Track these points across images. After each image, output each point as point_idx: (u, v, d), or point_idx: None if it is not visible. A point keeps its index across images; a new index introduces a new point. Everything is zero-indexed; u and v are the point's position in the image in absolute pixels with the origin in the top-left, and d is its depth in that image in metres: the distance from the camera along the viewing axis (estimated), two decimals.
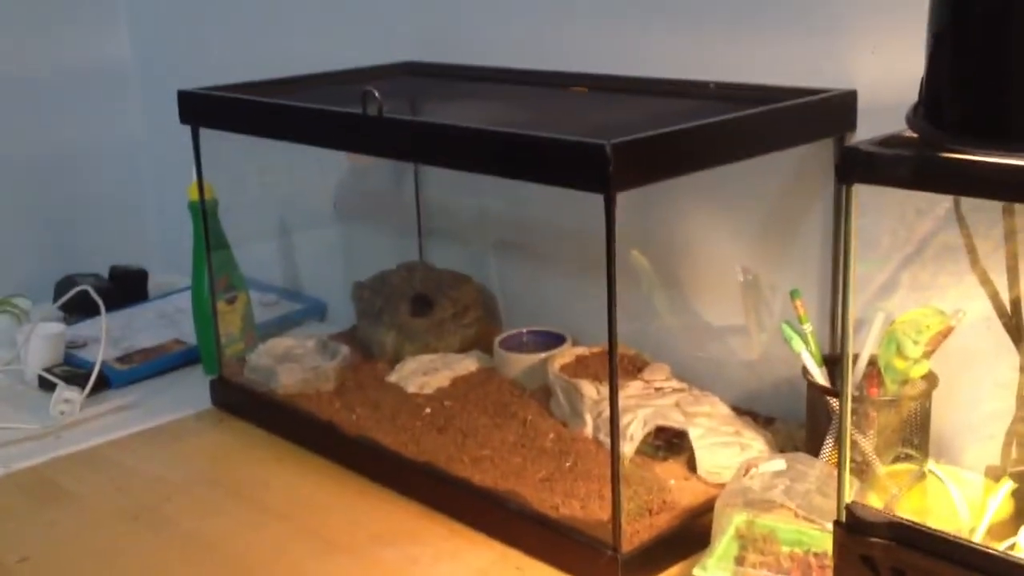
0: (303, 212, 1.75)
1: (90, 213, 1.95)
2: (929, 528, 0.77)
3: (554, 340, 1.34)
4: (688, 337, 1.26)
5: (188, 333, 1.54)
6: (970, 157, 0.68)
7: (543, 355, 1.30)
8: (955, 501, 0.87)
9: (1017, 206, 0.86)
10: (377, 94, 1.08)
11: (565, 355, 1.28)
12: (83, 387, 1.39)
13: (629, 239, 1.22)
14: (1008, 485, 0.86)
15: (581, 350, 1.28)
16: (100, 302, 1.51)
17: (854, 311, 0.80)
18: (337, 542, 1.07)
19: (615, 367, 0.95)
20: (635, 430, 1.12)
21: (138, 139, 2.00)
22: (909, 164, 0.70)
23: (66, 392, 1.38)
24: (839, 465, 0.81)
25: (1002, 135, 0.68)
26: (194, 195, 1.39)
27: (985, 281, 0.93)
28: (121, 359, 1.51)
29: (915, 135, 0.74)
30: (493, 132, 1.01)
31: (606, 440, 1.14)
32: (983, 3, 0.70)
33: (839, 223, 1.11)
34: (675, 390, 1.19)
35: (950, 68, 0.73)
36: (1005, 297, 0.92)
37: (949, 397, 1.02)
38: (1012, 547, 0.82)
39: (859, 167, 0.73)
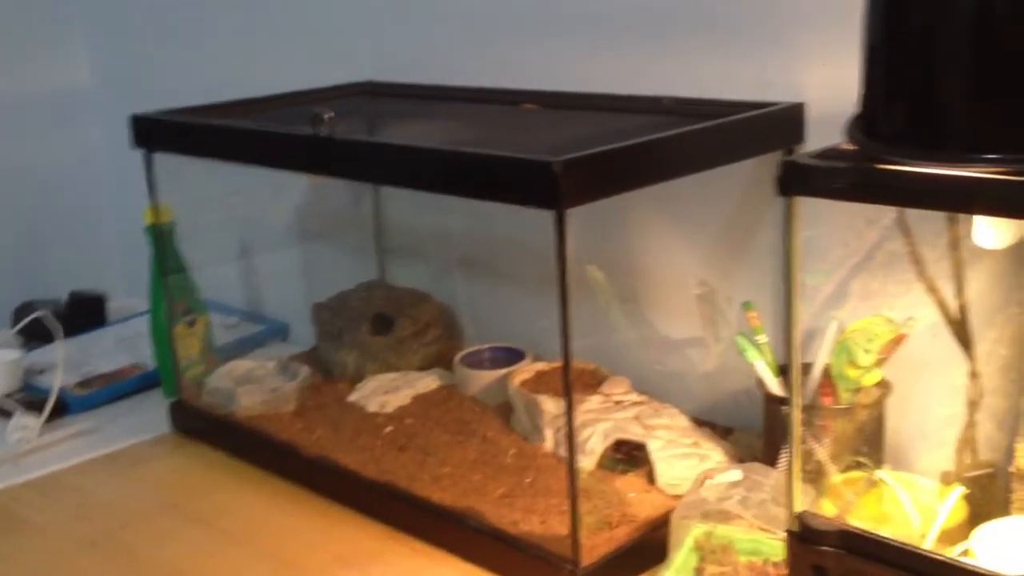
0: (263, 233, 1.74)
1: (50, 238, 1.94)
2: (880, 536, 0.78)
3: (515, 356, 1.34)
4: (646, 350, 1.26)
5: (148, 357, 1.53)
6: (904, 168, 0.68)
7: (503, 371, 1.30)
8: (907, 508, 0.88)
9: (961, 215, 0.87)
10: (327, 115, 1.08)
11: (525, 371, 1.28)
12: (40, 413, 1.38)
13: (584, 254, 1.23)
14: (958, 491, 0.87)
15: (541, 366, 1.29)
16: (58, 328, 1.49)
17: (802, 321, 0.81)
18: (298, 565, 1.07)
19: (569, 382, 0.95)
20: (595, 444, 1.13)
21: (98, 163, 1.99)
22: (845, 176, 0.71)
23: (23, 418, 1.37)
24: (789, 474, 0.81)
25: (936, 145, 0.69)
26: (150, 219, 1.39)
27: (932, 289, 0.94)
28: (80, 384, 1.50)
29: (853, 147, 0.75)
30: (443, 151, 1.01)
31: (566, 455, 1.14)
32: (915, 16, 0.71)
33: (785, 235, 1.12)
34: (634, 403, 1.20)
35: (885, 80, 0.74)
36: (953, 305, 0.93)
37: (902, 404, 1.02)
38: (964, 552, 0.83)
39: (798, 180, 0.74)
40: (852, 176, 0.71)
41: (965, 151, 0.67)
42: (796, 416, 0.80)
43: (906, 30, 0.71)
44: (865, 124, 0.75)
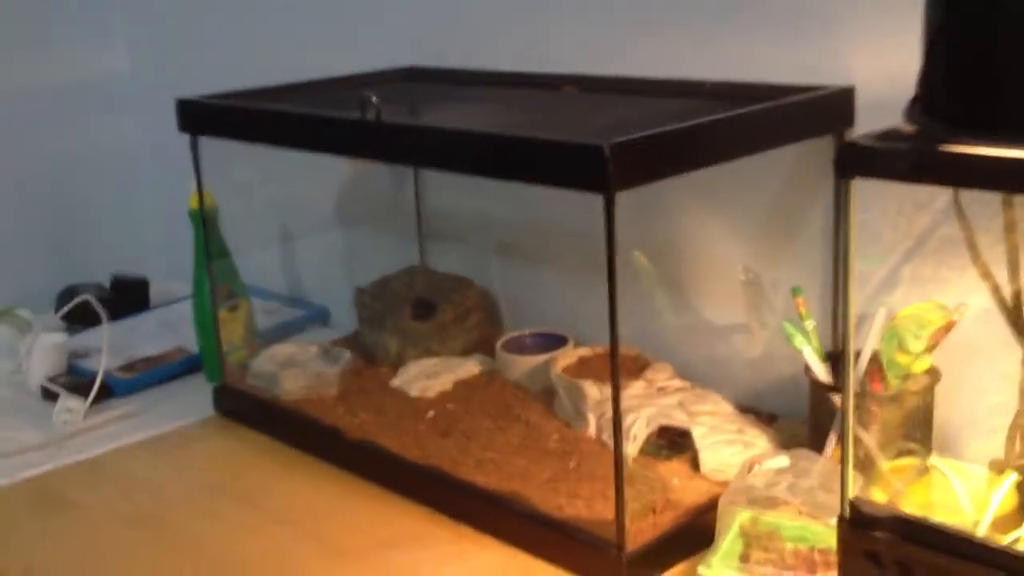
0: (304, 218, 1.75)
1: (91, 223, 1.96)
2: (933, 523, 0.77)
3: (556, 342, 1.34)
4: (690, 336, 1.26)
5: (190, 341, 1.54)
6: (967, 149, 0.68)
7: (545, 357, 1.30)
8: (959, 495, 0.87)
9: (1016, 198, 0.86)
10: (375, 99, 1.08)
11: (567, 356, 1.28)
12: (86, 396, 1.40)
13: (629, 239, 1.22)
14: (1012, 478, 0.86)
15: (583, 351, 1.28)
16: (102, 311, 1.51)
17: (856, 307, 0.80)
18: (342, 547, 1.07)
19: (617, 367, 0.95)
20: (638, 430, 1.12)
21: (137, 148, 2.00)
22: (907, 157, 0.70)
23: (69, 401, 1.38)
24: (842, 461, 0.81)
25: (999, 127, 0.69)
26: (194, 204, 1.39)
27: (986, 275, 0.93)
28: (124, 368, 1.51)
29: (913, 129, 0.74)
30: (492, 135, 1.01)
31: (610, 440, 1.14)
32: None
33: (839, 219, 1.11)
34: (678, 389, 1.19)
35: (947, 61, 0.73)
36: (1007, 290, 0.92)
37: (952, 391, 1.02)
38: (1017, 540, 0.82)
39: (858, 161, 0.73)
40: (915, 157, 0.70)
41: None
42: (849, 403, 0.80)
43: (969, 9, 0.70)
44: (925, 106, 0.74)
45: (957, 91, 0.72)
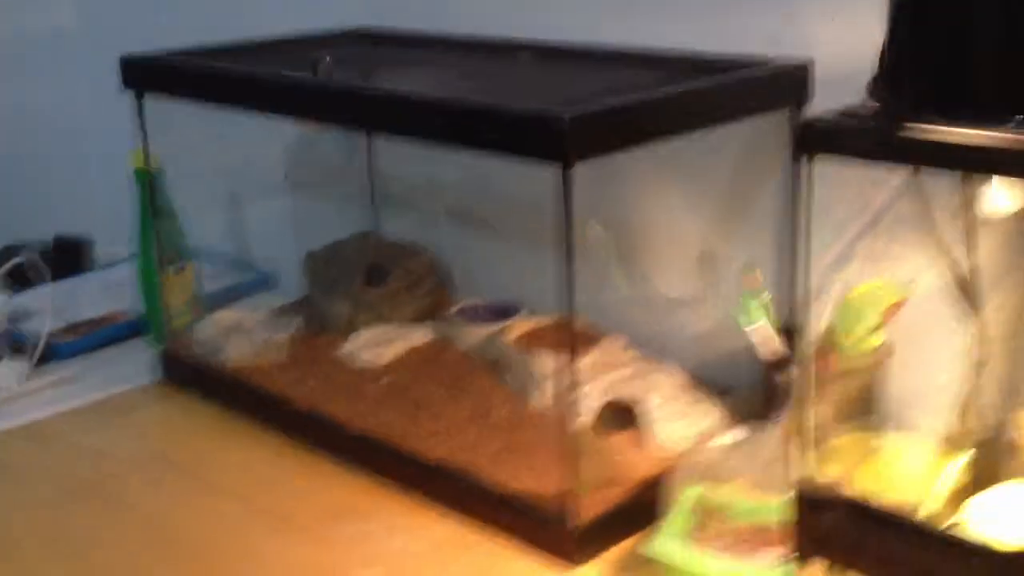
0: (251, 181, 1.71)
1: (34, 180, 1.91)
2: (881, 504, 0.77)
3: (509, 310, 1.33)
4: (644, 309, 1.25)
5: (133, 304, 1.50)
6: (932, 128, 0.67)
7: (498, 326, 1.29)
8: (910, 470, 0.87)
9: (975, 177, 0.85)
10: (328, 59, 1.05)
11: (520, 326, 1.27)
12: (26, 358, 1.36)
13: (584, 210, 1.20)
14: (963, 458, 0.86)
15: (536, 321, 1.27)
16: (47, 272, 1.47)
17: (812, 284, 0.80)
18: (289, 518, 1.06)
19: (573, 341, 0.94)
20: (590, 402, 1.12)
21: (83, 105, 1.95)
22: (870, 136, 0.70)
23: (9, 364, 1.34)
24: (794, 439, 0.81)
25: (965, 106, 0.68)
26: (138, 163, 1.36)
27: (942, 251, 0.93)
28: (66, 330, 1.47)
29: (875, 107, 0.73)
30: (449, 101, 0.99)
31: (560, 412, 1.13)
32: None
33: (795, 195, 1.10)
34: (630, 361, 1.19)
35: (911, 38, 0.72)
36: (961, 267, 0.92)
37: (904, 366, 1.01)
38: (959, 522, 0.83)
39: (819, 140, 0.73)
40: (877, 136, 0.69)
41: (995, 112, 0.65)
42: (803, 380, 0.79)
43: None
44: (888, 83, 0.73)
45: (922, 68, 0.71)
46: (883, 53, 0.75)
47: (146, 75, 1.26)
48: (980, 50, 0.67)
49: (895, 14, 0.73)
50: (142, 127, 1.30)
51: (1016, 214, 0.84)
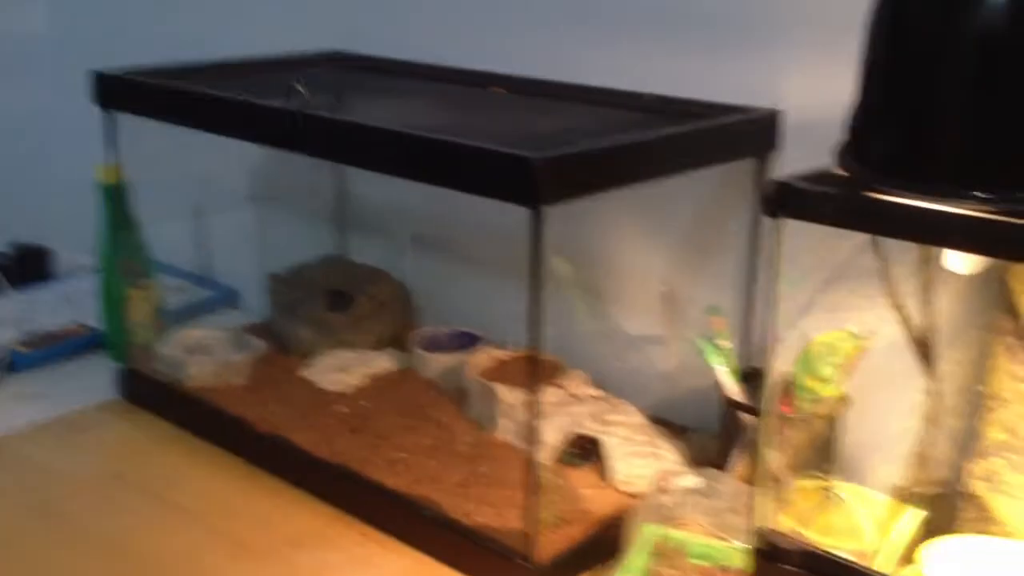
0: (215, 195, 1.70)
1: None
2: (840, 557, 0.79)
3: (471, 340, 1.34)
4: (605, 346, 1.27)
5: (93, 316, 1.49)
6: (895, 200, 0.69)
7: (460, 356, 1.29)
8: (861, 522, 0.89)
9: None
10: (301, 88, 1.06)
11: (483, 357, 1.27)
12: None
13: (550, 247, 1.22)
14: (917, 513, 0.88)
15: (500, 353, 1.28)
16: (5, 282, 1.46)
17: (777, 335, 0.82)
18: (248, 544, 1.06)
19: (536, 376, 0.95)
20: (551, 437, 1.13)
21: (47, 112, 1.93)
22: (835, 203, 0.72)
23: None
24: (754, 490, 0.82)
25: (928, 177, 0.70)
26: (104, 176, 1.35)
27: (899, 306, 0.95)
28: (25, 343, 1.46)
29: (842, 173, 0.75)
30: (420, 137, 0.99)
31: (521, 445, 1.14)
32: (915, 45, 0.71)
33: (756, 241, 1.13)
34: (591, 397, 1.20)
35: (879, 105, 0.74)
36: (917, 322, 0.95)
37: (860, 417, 1.04)
38: (914, 572, 0.85)
39: (787, 202, 0.74)
40: (842, 203, 0.71)
41: (957, 186, 0.67)
42: (762, 425, 0.81)
43: (906, 59, 0.71)
44: (856, 148, 0.75)
45: (889, 137, 0.73)
46: (852, 119, 0.78)
47: (117, 92, 1.26)
48: (944, 124, 0.69)
49: (864, 82, 0.75)
50: (111, 142, 1.29)
51: (972, 275, 0.87)
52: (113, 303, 1.40)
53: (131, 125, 1.31)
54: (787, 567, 0.79)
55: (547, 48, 1.26)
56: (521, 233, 0.92)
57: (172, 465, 1.20)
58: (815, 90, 1.06)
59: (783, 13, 1.07)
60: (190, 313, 1.57)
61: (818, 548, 0.80)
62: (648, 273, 1.21)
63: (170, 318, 1.47)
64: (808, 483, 0.99)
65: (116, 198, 1.35)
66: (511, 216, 0.91)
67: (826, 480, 0.98)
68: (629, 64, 1.19)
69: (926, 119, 0.71)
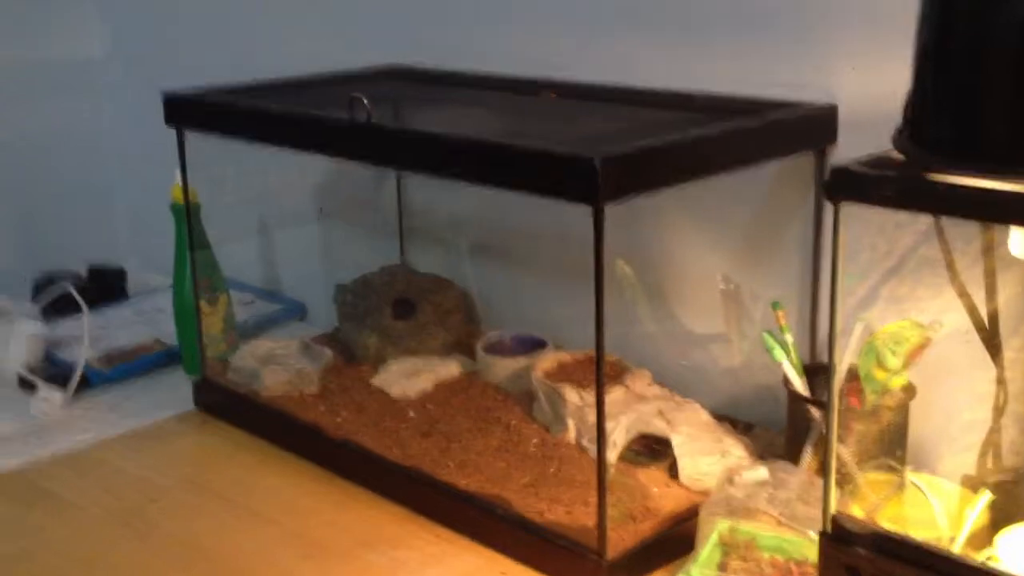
0: (281, 211, 1.75)
1: (64, 209, 1.94)
2: (913, 540, 0.79)
3: (536, 344, 1.35)
4: (669, 344, 1.28)
5: (167, 333, 1.54)
6: (953, 179, 0.70)
7: (526, 360, 1.31)
8: (934, 511, 0.90)
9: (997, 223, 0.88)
10: (366, 101, 1.09)
11: (548, 360, 1.29)
12: (63, 387, 1.39)
13: (611, 246, 1.23)
14: (986, 497, 0.88)
15: (564, 355, 1.30)
16: (83, 303, 1.50)
17: (840, 326, 0.82)
18: (323, 546, 1.08)
19: (602, 377, 0.97)
20: (618, 436, 1.14)
21: (113, 134, 1.99)
22: (895, 185, 0.73)
23: (47, 392, 1.38)
24: (824, 476, 0.83)
25: (986, 156, 0.71)
26: (177, 196, 1.39)
27: (963, 294, 0.95)
28: (101, 359, 1.50)
29: (900, 156, 0.76)
30: (482, 142, 1.02)
31: (589, 446, 1.16)
32: (968, 26, 0.72)
33: (818, 234, 1.13)
34: (656, 396, 1.21)
35: (935, 88, 0.75)
36: (983, 310, 0.95)
37: (927, 407, 1.04)
38: (989, 558, 0.85)
39: (847, 187, 0.75)
40: (902, 185, 0.72)
41: (1015, 163, 0.68)
42: (834, 419, 0.82)
43: (959, 37, 0.72)
44: (913, 132, 0.76)
45: (944, 118, 0.74)
46: (907, 104, 0.78)
47: (188, 112, 1.30)
48: (1001, 101, 0.70)
49: (919, 66, 0.75)
50: (182, 162, 1.33)
51: None
52: (187, 318, 1.44)
53: (197, 146, 1.35)
54: (860, 550, 0.79)
55: (596, 51, 1.27)
56: (578, 235, 0.94)
57: (248, 472, 1.23)
58: (864, 85, 1.06)
59: (828, 7, 1.08)
60: (260, 326, 1.61)
61: (891, 532, 0.80)
62: (709, 270, 1.22)
63: (242, 332, 1.51)
64: (878, 475, 0.99)
65: (189, 217, 1.39)
66: (568, 217, 0.93)
67: (898, 471, 0.98)
68: (677, 65, 1.20)
69: (981, 98, 0.71)
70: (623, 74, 1.24)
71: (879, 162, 0.77)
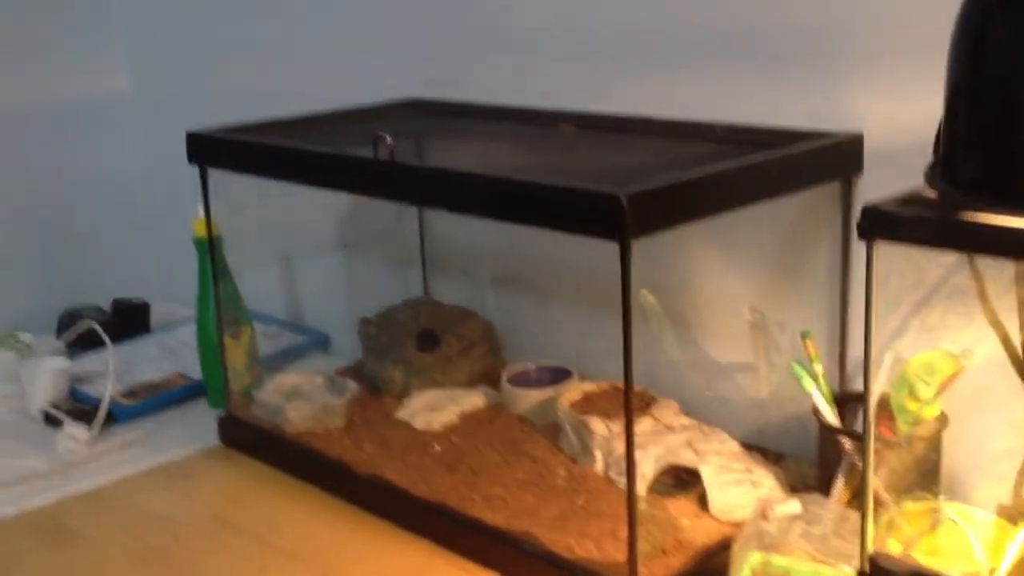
0: (303, 244, 1.75)
1: (88, 244, 1.95)
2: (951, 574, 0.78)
3: (561, 375, 1.35)
4: (696, 374, 1.27)
5: (191, 367, 1.54)
6: (987, 219, 0.69)
7: (551, 391, 1.31)
8: (972, 543, 0.88)
9: None
10: (389, 139, 1.09)
11: (573, 391, 1.28)
12: (88, 423, 1.39)
13: (636, 276, 1.23)
14: (1022, 532, 0.87)
15: (589, 386, 1.29)
16: (107, 339, 1.50)
17: (874, 358, 0.82)
18: None
19: (631, 409, 0.96)
20: (646, 468, 1.13)
21: (136, 170, 2.00)
22: (929, 225, 0.72)
23: (73, 429, 1.38)
24: (862, 515, 0.82)
25: (1018, 194, 0.70)
26: (200, 231, 1.40)
27: (996, 323, 0.94)
28: (126, 394, 1.50)
29: (933, 194, 0.75)
30: (507, 180, 1.02)
31: (617, 478, 1.15)
32: (998, 62, 0.72)
33: (846, 263, 1.13)
34: (684, 427, 1.20)
35: (967, 125, 0.74)
36: (1016, 339, 0.94)
37: (960, 437, 1.03)
38: None
39: (880, 226, 0.75)
40: (936, 226, 0.72)
41: None
42: (870, 455, 0.81)
43: (991, 77, 0.71)
44: (945, 170, 0.75)
45: (977, 157, 0.73)
46: (938, 140, 0.78)
47: (211, 150, 1.30)
48: None
49: (950, 103, 0.75)
50: (205, 199, 1.34)
51: None
52: (211, 352, 1.44)
53: (220, 180, 1.35)
54: None
55: (614, 82, 1.27)
56: (602, 267, 0.94)
57: (274, 508, 1.23)
58: (889, 114, 1.06)
59: (853, 36, 1.07)
60: (284, 359, 1.61)
61: (931, 570, 0.79)
62: (736, 300, 1.21)
63: (265, 364, 1.51)
64: (913, 505, 0.98)
65: (212, 251, 1.39)
66: (592, 250, 0.92)
67: (933, 501, 0.97)
68: (699, 96, 1.20)
69: (1015, 137, 0.71)
70: (639, 105, 1.24)
71: (912, 201, 0.76)
